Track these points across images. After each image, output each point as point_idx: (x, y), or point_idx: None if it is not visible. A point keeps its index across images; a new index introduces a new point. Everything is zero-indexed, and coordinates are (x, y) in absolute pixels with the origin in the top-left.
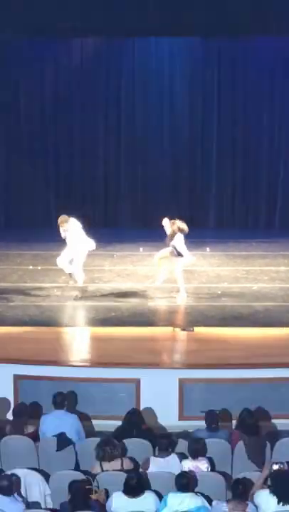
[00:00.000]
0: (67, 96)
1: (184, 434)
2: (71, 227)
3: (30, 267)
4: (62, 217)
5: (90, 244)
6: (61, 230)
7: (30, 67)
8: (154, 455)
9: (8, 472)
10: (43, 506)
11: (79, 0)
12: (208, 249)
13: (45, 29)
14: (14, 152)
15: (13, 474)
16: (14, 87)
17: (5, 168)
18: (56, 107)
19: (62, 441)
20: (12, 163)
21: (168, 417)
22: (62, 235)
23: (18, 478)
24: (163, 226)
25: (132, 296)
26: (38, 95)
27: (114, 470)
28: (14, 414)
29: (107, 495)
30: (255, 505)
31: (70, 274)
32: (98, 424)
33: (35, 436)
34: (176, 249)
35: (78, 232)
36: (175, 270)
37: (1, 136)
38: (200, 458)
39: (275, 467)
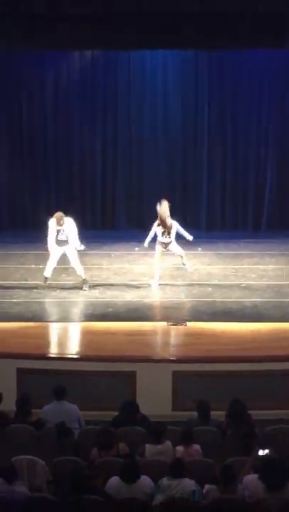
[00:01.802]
0: (67, 105)
1: (178, 423)
2: (68, 226)
3: (33, 266)
4: (60, 214)
5: (79, 244)
6: (58, 226)
7: (31, 77)
8: (149, 442)
9: (13, 459)
10: (45, 491)
11: (78, 15)
12: (199, 248)
13: (46, 42)
14: (17, 159)
15: (17, 460)
16: (16, 97)
17: (9, 173)
18: (56, 116)
19: (63, 429)
20: (15, 169)
21: (162, 407)
22: (60, 232)
23: (21, 465)
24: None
25: (128, 292)
26: (40, 104)
27: (111, 456)
28: (17, 404)
29: (105, 480)
30: (244, 489)
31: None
32: (96, 414)
33: (37, 425)
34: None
35: (74, 231)
36: (175, 250)
37: (4, 144)
38: (192, 445)
39: (261, 453)
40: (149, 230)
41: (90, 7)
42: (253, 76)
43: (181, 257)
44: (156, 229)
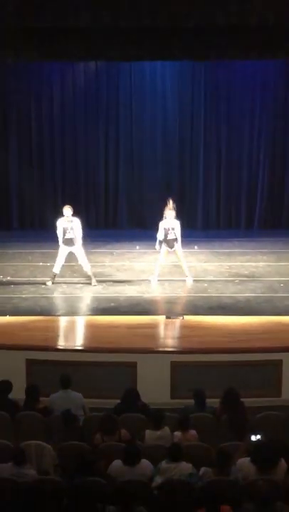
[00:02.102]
0: (73, 112)
1: (175, 410)
2: (75, 225)
3: (40, 264)
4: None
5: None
6: (66, 219)
7: (40, 87)
8: (149, 428)
9: (22, 443)
10: (52, 474)
11: (83, 28)
12: (196, 247)
13: (53, 53)
14: (26, 163)
15: (26, 445)
16: (26, 105)
17: (18, 176)
18: (63, 122)
19: (69, 416)
20: (24, 173)
21: (161, 396)
22: (68, 226)
23: (30, 449)
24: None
25: (129, 288)
26: (47, 111)
27: (114, 441)
28: (27, 393)
29: (108, 463)
30: (237, 472)
31: (54, 273)
32: (100, 402)
33: (45, 412)
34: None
35: (79, 230)
36: (180, 258)
37: (14, 149)
38: (189, 430)
39: (253, 438)
40: (149, 228)
41: (93, 21)
42: (245, 84)
43: (182, 267)
44: (161, 227)
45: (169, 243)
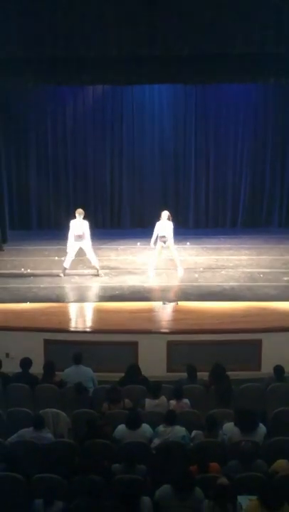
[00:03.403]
0: (83, 128)
1: (171, 382)
2: (85, 225)
3: (56, 258)
4: (81, 210)
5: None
6: (78, 221)
7: (55, 108)
8: (148, 398)
9: (41, 411)
10: (66, 437)
11: (92, 57)
12: (188, 243)
13: (66, 78)
14: (43, 172)
15: (44, 412)
16: (43, 121)
17: (37, 185)
18: (74, 138)
19: (80, 387)
20: (42, 180)
21: (159, 370)
22: (78, 225)
23: (47, 416)
24: (160, 219)
25: (131, 278)
26: (61, 127)
27: (118, 409)
28: (44, 368)
29: (113, 427)
30: (224, 434)
31: (65, 267)
32: (106, 375)
33: (60, 384)
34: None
35: (88, 230)
36: (172, 249)
37: (34, 162)
38: (182, 399)
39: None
40: (148, 227)
41: (100, 51)
42: (230, 103)
43: (174, 260)
44: (157, 226)
45: (162, 239)
